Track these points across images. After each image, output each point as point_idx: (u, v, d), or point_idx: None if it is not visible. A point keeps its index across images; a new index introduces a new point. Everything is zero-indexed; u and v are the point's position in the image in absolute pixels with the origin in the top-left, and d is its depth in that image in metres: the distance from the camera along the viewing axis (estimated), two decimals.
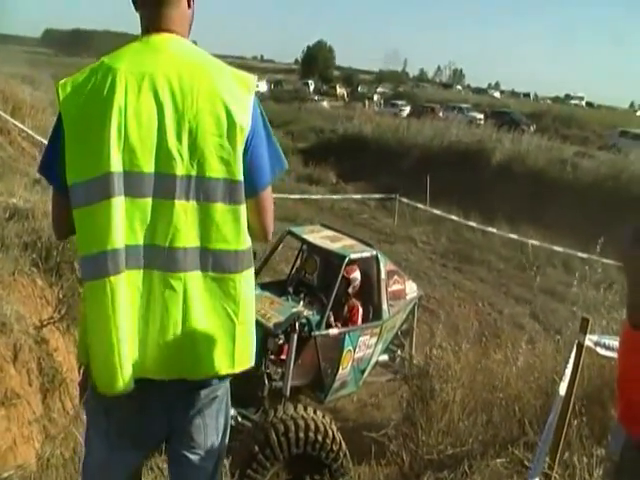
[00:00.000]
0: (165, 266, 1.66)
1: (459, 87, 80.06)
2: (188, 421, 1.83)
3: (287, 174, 20.03)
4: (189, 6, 1.82)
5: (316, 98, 47.78)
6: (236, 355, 1.77)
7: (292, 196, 16.06)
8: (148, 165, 1.62)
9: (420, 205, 16.65)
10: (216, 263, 1.70)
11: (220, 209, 1.68)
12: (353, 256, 6.28)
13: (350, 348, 6.07)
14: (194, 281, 1.69)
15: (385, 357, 7.16)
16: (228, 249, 1.71)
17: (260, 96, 1.94)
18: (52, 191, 1.76)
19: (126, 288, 1.62)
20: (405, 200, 16.82)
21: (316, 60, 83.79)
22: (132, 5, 1.79)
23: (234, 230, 1.71)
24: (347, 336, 6.00)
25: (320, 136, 28.16)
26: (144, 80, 1.63)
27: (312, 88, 59.56)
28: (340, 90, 58.84)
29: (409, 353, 7.18)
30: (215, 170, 1.67)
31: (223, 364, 1.75)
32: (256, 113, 1.75)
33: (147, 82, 1.64)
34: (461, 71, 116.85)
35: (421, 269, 12.93)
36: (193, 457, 1.86)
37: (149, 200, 1.63)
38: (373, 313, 6.53)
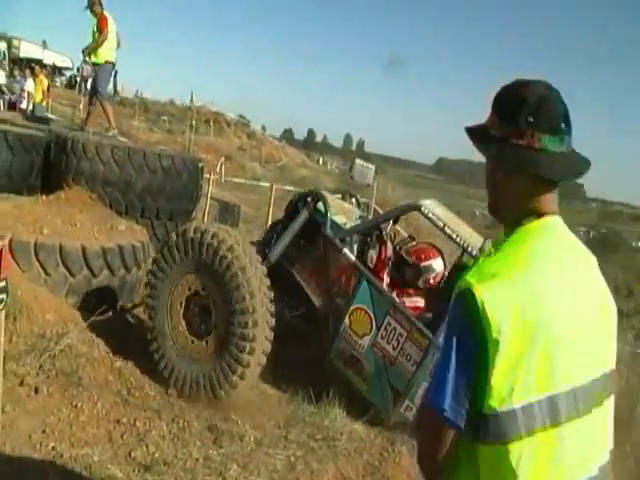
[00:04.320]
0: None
1: None
2: None
3: None
4: None
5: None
6: None
7: None
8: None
9: None
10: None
11: (613, 399, 1.60)
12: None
13: (365, 308, 4.91)
14: None
15: None
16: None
17: None
18: (440, 428, 1.44)
19: None
20: None
21: None
22: (513, 173, 1.55)
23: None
24: (365, 284, 4.88)
25: None
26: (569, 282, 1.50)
27: None
28: None
29: None
30: None
31: None
32: None
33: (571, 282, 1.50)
34: None
35: None
36: None
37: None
38: (434, 324, 4.72)
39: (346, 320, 4.99)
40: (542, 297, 1.43)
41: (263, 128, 49.49)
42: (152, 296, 4.69)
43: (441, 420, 1.44)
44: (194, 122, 25.43)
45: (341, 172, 39.13)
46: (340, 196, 6.45)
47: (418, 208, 5.10)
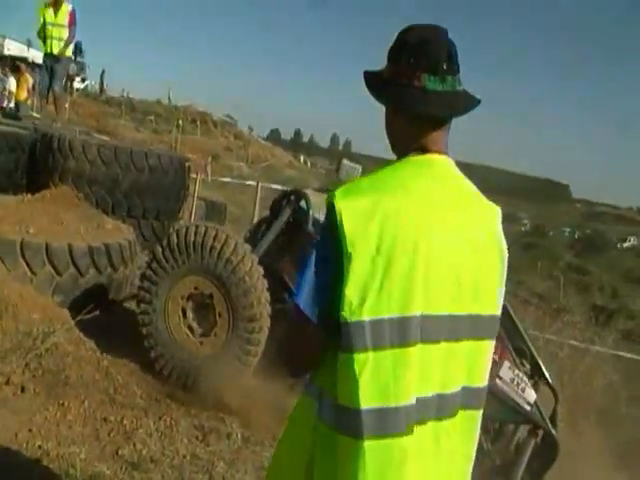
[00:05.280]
0: (446, 413, 1.52)
1: None
2: None
3: None
4: None
5: None
6: None
7: None
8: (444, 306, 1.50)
9: None
10: (471, 401, 1.58)
11: (488, 345, 1.62)
12: None
13: None
14: (458, 422, 1.55)
15: None
16: (481, 386, 1.61)
17: None
18: (303, 326, 1.53)
19: (414, 447, 1.45)
20: None
21: None
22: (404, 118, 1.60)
23: (487, 366, 1.63)
24: None
25: None
26: (441, 213, 1.51)
27: None
28: None
29: None
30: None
31: None
32: None
33: (443, 214, 1.51)
34: None
35: None
36: None
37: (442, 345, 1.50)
38: None
39: None
40: (407, 222, 1.44)
41: (250, 128, 49.30)
42: (150, 292, 4.63)
43: (299, 317, 1.53)
44: (180, 122, 25.36)
45: (327, 172, 39.18)
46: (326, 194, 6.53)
47: None
